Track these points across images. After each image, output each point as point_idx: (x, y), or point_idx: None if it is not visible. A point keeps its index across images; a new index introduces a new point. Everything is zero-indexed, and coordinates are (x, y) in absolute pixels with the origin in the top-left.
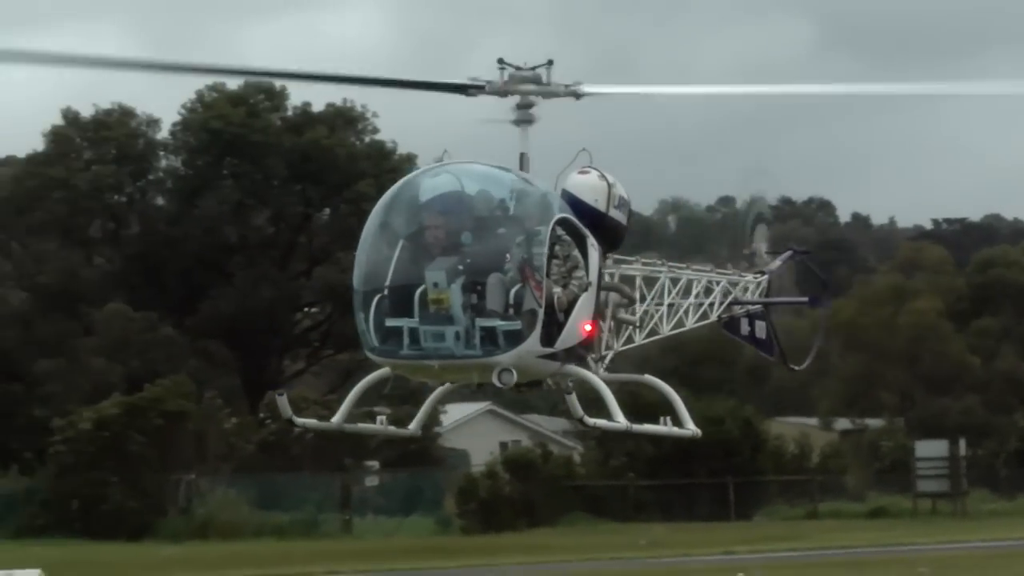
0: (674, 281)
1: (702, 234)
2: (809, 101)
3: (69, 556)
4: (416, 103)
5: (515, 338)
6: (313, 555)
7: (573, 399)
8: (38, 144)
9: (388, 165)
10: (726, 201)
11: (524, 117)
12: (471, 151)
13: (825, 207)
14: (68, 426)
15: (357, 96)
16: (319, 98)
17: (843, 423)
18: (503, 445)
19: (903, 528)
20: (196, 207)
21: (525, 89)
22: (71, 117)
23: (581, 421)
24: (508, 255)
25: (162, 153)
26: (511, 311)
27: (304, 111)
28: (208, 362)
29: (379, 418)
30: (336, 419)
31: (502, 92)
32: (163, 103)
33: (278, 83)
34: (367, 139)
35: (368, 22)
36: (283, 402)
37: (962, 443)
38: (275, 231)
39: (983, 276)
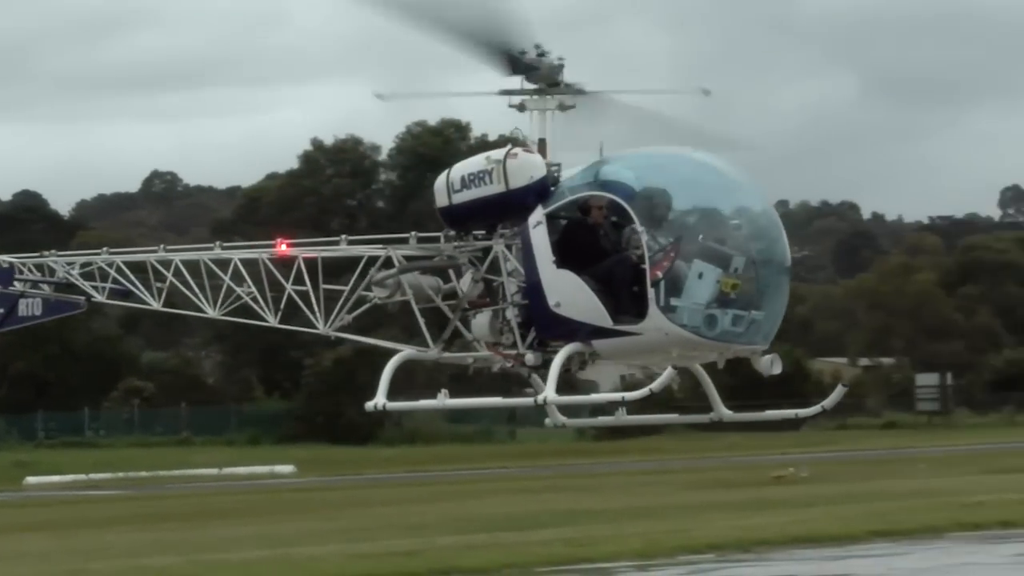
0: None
1: None
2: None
3: (315, 456)
4: None
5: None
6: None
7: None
8: (294, 164)
9: None
10: None
11: (545, 105)
12: None
13: (852, 208)
14: (316, 363)
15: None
16: (495, 129)
17: (865, 361)
18: None
19: (908, 436)
20: (408, 208)
21: (548, 77)
22: (317, 144)
23: None
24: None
25: (382, 170)
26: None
27: (483, 139)
28: None
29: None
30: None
31: (542, 75)
32: (384, 134)
33: (464, 120)
34: None
35: None
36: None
37: (949, 376)
38: None
39: (966, 257)
